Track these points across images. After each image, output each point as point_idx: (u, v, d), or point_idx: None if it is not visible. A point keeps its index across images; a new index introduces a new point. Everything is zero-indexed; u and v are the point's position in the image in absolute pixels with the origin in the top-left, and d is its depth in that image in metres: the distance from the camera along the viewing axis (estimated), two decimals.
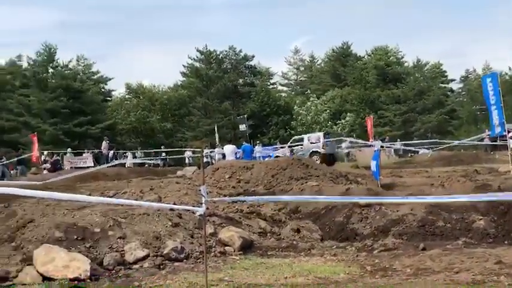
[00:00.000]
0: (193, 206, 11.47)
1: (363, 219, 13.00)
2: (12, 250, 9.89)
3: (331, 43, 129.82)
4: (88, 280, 8.88)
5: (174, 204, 12.26)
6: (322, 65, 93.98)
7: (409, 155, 43.44)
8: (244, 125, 47.06)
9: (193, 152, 47.06)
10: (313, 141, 39.72)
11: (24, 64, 77.44)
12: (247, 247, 10.94)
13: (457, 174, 21.51)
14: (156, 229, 10.64)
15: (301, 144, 40.48)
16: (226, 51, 73.21)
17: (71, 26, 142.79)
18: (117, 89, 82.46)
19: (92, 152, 45.67)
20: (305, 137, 41.86)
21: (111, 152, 43.13)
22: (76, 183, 28.12)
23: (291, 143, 42.09)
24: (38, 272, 9.04)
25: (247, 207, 14.22)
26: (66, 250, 9.52)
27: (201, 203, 7.38)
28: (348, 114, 64.35)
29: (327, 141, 38.91)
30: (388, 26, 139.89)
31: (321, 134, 41.37)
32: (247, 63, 74.01)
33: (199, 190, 14.97)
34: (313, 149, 37.80)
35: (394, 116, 71.54)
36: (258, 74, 76.17)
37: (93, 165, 40.16)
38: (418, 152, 41.98)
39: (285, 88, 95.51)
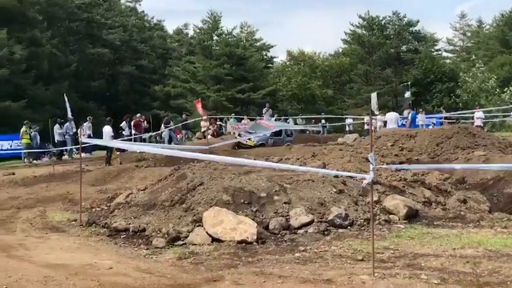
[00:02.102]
0: (356, 173, 11.46)
1: None
2: (183, 211, 10.31)
3: (500, 7, 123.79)
4: (255, 243, 9.11)
5: (337, 170, 12.25)
6: (490, 30, 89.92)
7: None
8: (408, 92, 46.27)
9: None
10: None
11: (190, 32, 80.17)
12: (412, 216, 10.74)
13: None
14: (321, 195, 10.67)
15: None
16: (389, 16, 71.77)
17: None
18: (279, 56, 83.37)
19: (254, 118, 46.54)
20: None
21: (272, 118, 43.65)
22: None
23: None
24: (207, 233, 9.39)
25: (411, 176, 13.97)
26: (233, 213, 9.81)
27: (369, 171, 7.30)
28: None
29: None
30: None
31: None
32: (411, 28, 72.11)
33: (364, 158, 14.85)
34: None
35: None
36: (422, 40, 73.96)
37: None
38: None
39: (449, 55, 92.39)
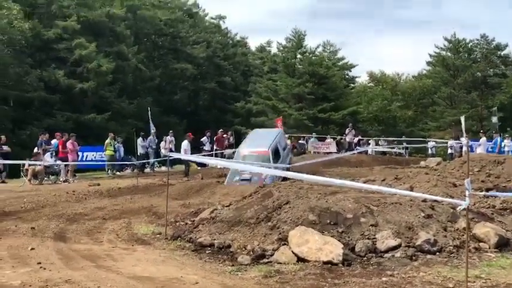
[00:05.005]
0: (446, 198, 11.18)
1: None
2: (269, 229, 10.28)
3: None
4: (340, 264, 8.98)
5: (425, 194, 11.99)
6: None
7: None
8: (495, 118, 45.42)
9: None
10: None
11: (273, 49, 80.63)
12: (503, 245, 10.36)
13: None
14: (408, 219, 10.43)
15: None
16: (477, 39, 70.13)
17: (319, 13, 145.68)
18: (360, 75, 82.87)
19: (335, 138, 46.42)
20: None
21: (355, 138, 43.45)
22: (319, 167, 28.74)
23: None
24: (292, 252, 9.32)
25: (500, 203, 13.58)
26: (319, 233, 9.71)
27: (465, 197, 7.11)
28: None
29: None
30: None
31: None
32: (499, 52, 70.23)
33: (451, 182, 14.50)
34: None
35: None
36: (510, 64, 71.83)
37: (336, 151, 40.81)
38: None
39: None
